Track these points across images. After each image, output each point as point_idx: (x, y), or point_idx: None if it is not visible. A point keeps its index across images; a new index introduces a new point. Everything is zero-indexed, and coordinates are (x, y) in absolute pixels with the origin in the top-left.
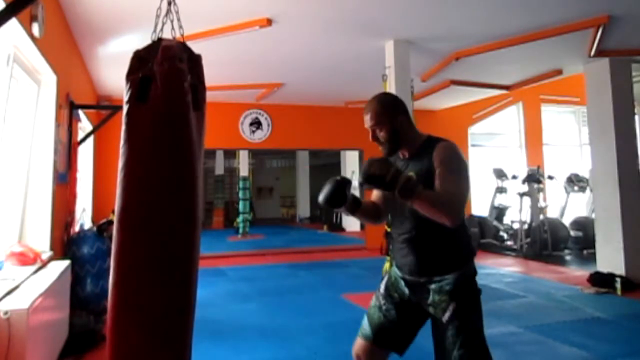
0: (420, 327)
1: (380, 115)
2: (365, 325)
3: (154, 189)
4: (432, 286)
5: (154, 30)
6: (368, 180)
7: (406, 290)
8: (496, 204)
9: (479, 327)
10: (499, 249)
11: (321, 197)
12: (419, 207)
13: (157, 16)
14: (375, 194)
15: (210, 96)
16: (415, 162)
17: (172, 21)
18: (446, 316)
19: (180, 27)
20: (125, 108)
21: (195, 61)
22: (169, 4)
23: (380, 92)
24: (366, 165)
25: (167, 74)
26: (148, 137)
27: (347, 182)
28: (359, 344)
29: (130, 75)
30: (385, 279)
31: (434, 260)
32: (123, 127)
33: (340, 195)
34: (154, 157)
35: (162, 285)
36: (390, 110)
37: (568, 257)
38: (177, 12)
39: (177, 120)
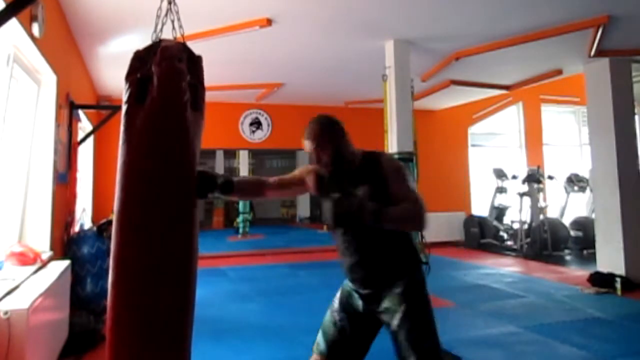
0: (374, 339)
1: (321, 137)
2: (320, 341)
3: (152, 189)
4: (384, 294)
5: (154, 31)
6: (339, 223)
7: (360, 303)
8: (496, 204)
9: (431, 330)
10: (499, 249)
11: None
12: (388, 226)
13: (158, 16)
14: (295, 176)
15: (210, 96)
16: (358, 176)
17: (172, 21)
18: (396, 320)
19: (180, 26)
20: (124, 108)
21: (194, 61)
22: (169, 3)
23: (318, 115)
24: (329, 208)
25: (165, 74)
26: (145, 137)
27: (208, 178)
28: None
29: (130, 76)
30: (339, 294)
31: (384, 272)
32: (122, 128)
33: (203, 188)
34: (151, 157)
35: (160, 285)
36: (331, 132)
37: (568, 257)
38: (177, 12)
39: (173, 121)
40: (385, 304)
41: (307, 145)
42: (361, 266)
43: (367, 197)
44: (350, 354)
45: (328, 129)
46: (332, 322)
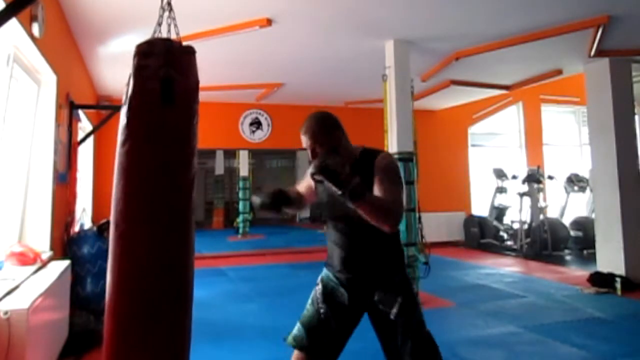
0: (353, 330)
1: (318, 134)
2: (302, 335)
3: (133, 192)
4: (378, 285)
5: (154, 32)
6: (323, 171)
7: (346, 296)
8: (496, 204)
9: (423, 321)
10: (499, 249)
11: (256, 203)
12: (363, 210)
13: (160, 16)
14: (304, 186)
15: (210, 96)
16: (354, 171)
17: (173, 19)
18: (394, 311)
19: (175, 25)
20: None
21: (174, 53)
22: (168, 4)
23: (315, 111)
24: (322, 157)
25: (134, 71)
26: (121, 135)
27: (283, 198)
28: (297, 356)
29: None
30: (320, 288)
31: (381, 264)
32: None
33: (274, 206)
34: (127, 156)
35: (160, 280)
36: (328, 128)
37: (568, 257)
38: (171, 11)
39: (139, 117)
40: (382, 294)
41: (303, 140)
42: (360, 256)
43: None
44: (332, 346)
45: (325, 126)
46: (316, 316)
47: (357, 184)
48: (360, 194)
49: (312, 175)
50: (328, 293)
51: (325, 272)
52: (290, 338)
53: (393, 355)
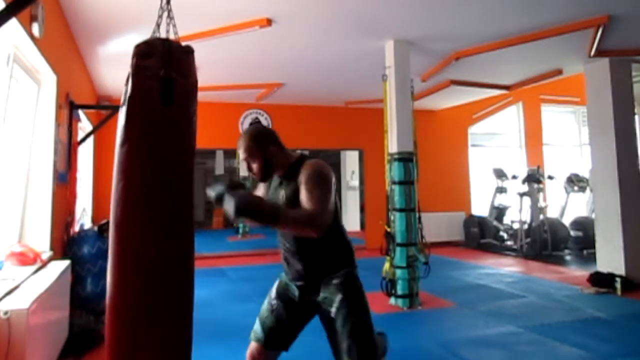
0: (306, 324)
1: (251, 148)
2: (258, 329)
3: (133, 194)
4: (321, 285)
5: (157, 31)
6: (240, 213)
7: (296, 292)
8: (496, 204)
9: (366, 319)
10: (499, 249)
11: (230, 207)
12: (286, 229)
13: (159, 16)
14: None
15: (210, 96)
16: (287, 181)
17: (172, 19)
18: (334, 308)
19: (174, 25)
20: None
21: (174, 53)
22: (167, 3)
23: (250, 127)
24: (236, 200)
25: (132, 73)
26: (121, 140)
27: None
28: (252, 346)
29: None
30: (276, 284)
31: (317, 266)
32: None
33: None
34: (126, 157)
35: (158, 286)
36: (260, 143)
37: (568, 257)
38: (170, 11)
39: (138, 118)
40: (324, 293)
41: (239, 154)
42: (299, 260)
43: (286, 199)
44: (284, 339)
45: (256, 140)
46: (270, 310)
47: (271, 210)
48: (277, 217)
49: (234, 219)
50: (282, 289)
51: (283, 272)
52: (251, 334)
53: (335, 352)
